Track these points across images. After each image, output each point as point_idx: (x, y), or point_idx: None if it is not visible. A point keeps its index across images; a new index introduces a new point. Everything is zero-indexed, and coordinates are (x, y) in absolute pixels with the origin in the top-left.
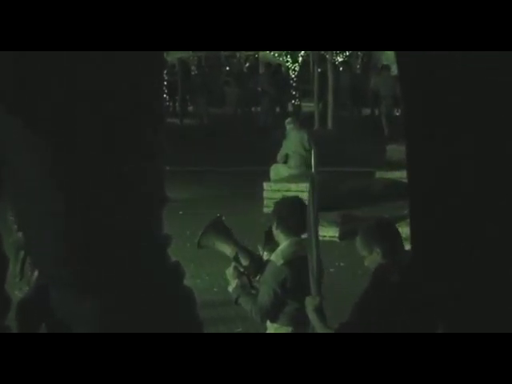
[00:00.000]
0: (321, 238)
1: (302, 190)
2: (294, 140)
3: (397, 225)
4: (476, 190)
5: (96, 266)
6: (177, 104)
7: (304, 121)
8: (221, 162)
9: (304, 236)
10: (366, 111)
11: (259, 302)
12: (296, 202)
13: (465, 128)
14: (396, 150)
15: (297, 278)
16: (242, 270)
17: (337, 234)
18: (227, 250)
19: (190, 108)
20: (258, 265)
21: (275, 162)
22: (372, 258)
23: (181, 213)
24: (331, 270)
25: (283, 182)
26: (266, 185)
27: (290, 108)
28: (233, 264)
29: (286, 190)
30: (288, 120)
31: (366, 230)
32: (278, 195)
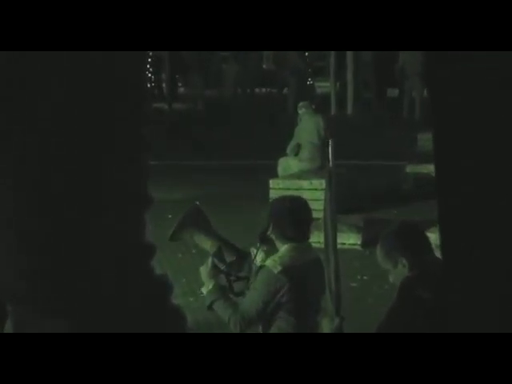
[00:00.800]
0: (339, 246)
1: (316, 188)
2: (306, 128)
3: (431, 229)
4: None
5: (62, 282)
6: (164, 85)
7: (319, 104)
8: (218, 155)
9: (311, 241)
10: (393, 92)
11: (243, 309)
12: (296, 202)
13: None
14: (429, 140)
15: (296, 291)
16: (221, 268)
17: (359, 241)
18: (206, 244)
19: (181, 90)
20: (244, 263)
21: (284, 154)
22: (398, 272)
23: (170, 216)
24: (353, 284)
25: (294, 179)
26: (272, 182)
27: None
28: (210, 260)
29: (297, 189)
30: (300, 104)
31: (387, 238)
32: (288, 194)
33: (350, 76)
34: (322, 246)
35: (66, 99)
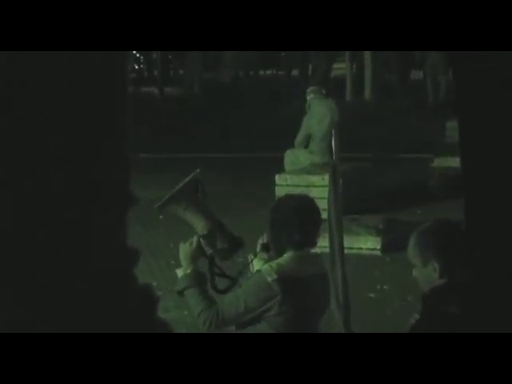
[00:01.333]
0: (355, 251)
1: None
2: (317, 116)
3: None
4: None
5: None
6: (154, 66)
7: (331, 89)
8: (216, 146)
9: (315, 250)
10: (417, 74)
11: (222, 308)
12: (303, 201)
13: None
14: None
15: (289, 306)
16: (207, 253)
17: (378, 246)
18: (198, 223)
19: (175, 72)
20: (236, 253)
21: (292, 146)
22: (426, 272)
23: (161, 217)
24: (371, 295)
25: (303, 174)
26: (278, 178)
27: (311, 71)
28: (196, 239)
29: (307, 185)
30: (309, 89)
31: (424, 234)
32: (297, 192)
33: (368, 57)
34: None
35: (41, 92)
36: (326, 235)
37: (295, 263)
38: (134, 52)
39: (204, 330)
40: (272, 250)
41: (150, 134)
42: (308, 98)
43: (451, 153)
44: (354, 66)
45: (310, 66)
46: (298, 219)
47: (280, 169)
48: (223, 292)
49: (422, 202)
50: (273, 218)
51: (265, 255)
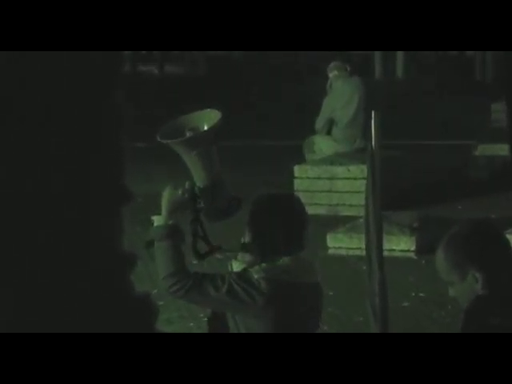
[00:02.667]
0: (387, 253)
1: (355, 177)
2: (341, 97)
3: (509, 230)
4: None
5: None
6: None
7: (356, 66)
8: (226, 133)
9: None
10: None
11: (201, 280)
12: (289, 202)
13: None
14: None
15: (272, 309)
16: (195, 205)
17: (413, 247)
18: (200, 173)
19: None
20: (233, 213)
21: (312, 132)
22: (465, 287)
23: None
24: (404, 303)
25: (326, 165)
26: (298, 169)
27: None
28: (189, 186)
29: (330, 178)
30: (330, 65)
31: (455, 242)
32: (318, 185)
33: None
34: (363, 253)
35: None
36: (361, 235)
37: (284, 268)
38: None
39: (167, 294)
40: (253, 253)
41: (149, 120)
42: (330, 75)
43: (497, 139)
44: None
45: None
46: (283, 221)
47: (300, 159)
48: (203, 257)
49: (464, 196)
50: (254, 218)
51: (246, 257)
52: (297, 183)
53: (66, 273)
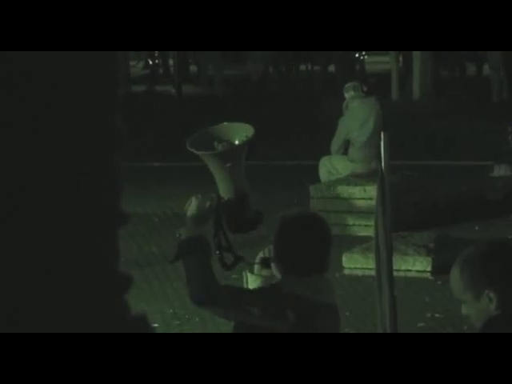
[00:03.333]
0: (403, 274)
1: (371, 197)
2: (357, 118)
3: None
4: None
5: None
6: (171, 61)
7: (373, 86)
8: None
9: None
10: (471, 68)
11: (226, 290)
12: (316, 223)
13: None
14: None
15: (283, 322)
16: (224, 212)
17: (429, 268)
18: (228, 185)
19: (193, 68)
20: (255, 226)
21: (328, 152)
22: (480, 307)
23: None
24: (419, 324)
25: (342, 185)
26: (313, 189)
27: (350, 65)
28: (214, 196)
29: (346, 198)
30: (347, 85)
31: (471, 261)
32: (334, 205)
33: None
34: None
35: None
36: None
37: (310, 285)
38: None
39: (195, 305)
40: (276, 269)
41: (166, 139)
42: (346, 95)
43: None
44: (401, 59)
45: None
46: (307, 242)
47: (315, 179)
48: (230, 268)
49: (481, 217)
50: (280, 236)
51: (263, 271)
52: (312, 203)
53: (51, 298)
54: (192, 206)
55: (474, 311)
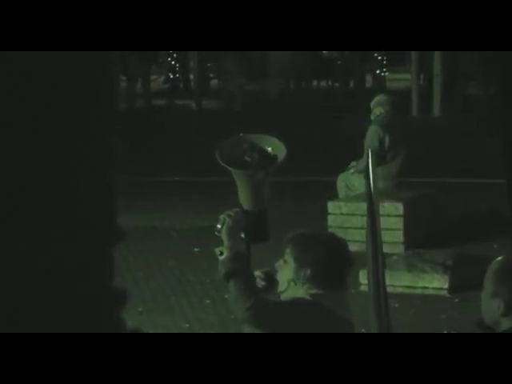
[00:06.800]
0: (420, 291)
1: (389, 214)
2: (377, 135)
3: None
4: None
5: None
6: (191, 76)
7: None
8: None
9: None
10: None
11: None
12: (336, 244)
13: None
14: None
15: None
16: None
17: (445, 285)
18: (253, 198)
19: (214, 82)
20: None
21: (346, 168)
22: (491, 303)
23: (196, 250)
24: None
25: (359, 202)
26: (331, 206)
27: (371, 81)
28: (239, 210)
29: (364, 214)
30: (375, 100)
31: (502, 266)
32: (352, 221)
33: (437, 65)
34: (395, 290)
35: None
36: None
37: (320, 297)
38: (169, 59)
39: (243, 321)
40: (275, 283)
41: (185, 154)
42: (375, 110)
43: None
44: (422, 76)
45: (369, 76)
46: (327, 261)
47: (333, 195)
48: (266, 291)
49: (499, 234)
50: (298, 254)
51: (264, 284)
52: (330, 219)
53: (51, 298)
54: (228, 224)
55: (485, 303)
